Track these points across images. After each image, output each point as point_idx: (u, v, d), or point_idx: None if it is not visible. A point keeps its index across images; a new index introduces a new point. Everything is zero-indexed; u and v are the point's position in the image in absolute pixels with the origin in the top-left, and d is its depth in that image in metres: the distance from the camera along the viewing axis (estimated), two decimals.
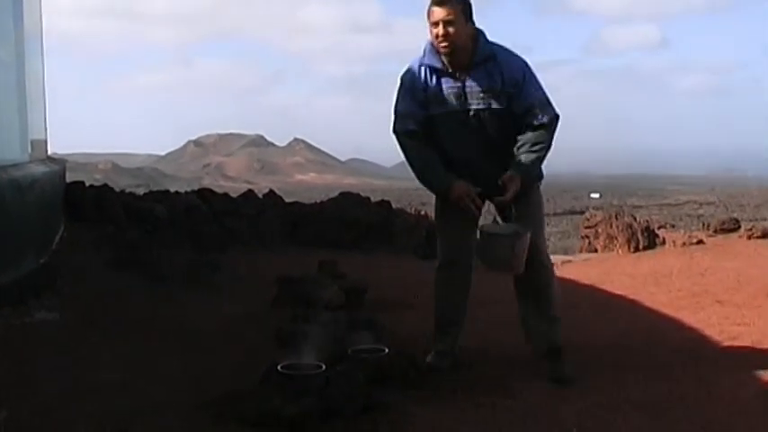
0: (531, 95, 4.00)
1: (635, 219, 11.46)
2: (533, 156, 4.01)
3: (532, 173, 4.08)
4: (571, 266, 9.47)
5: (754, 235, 10.50)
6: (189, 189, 11.14)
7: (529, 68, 4.04)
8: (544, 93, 4.06)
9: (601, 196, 57.17)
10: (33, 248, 6.08)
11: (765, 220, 17.51)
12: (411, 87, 4.09)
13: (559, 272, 8.77)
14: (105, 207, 8.95)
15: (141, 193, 10.81)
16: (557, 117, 4.06)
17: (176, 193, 10.47)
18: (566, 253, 13.42)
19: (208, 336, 5.14)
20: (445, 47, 3.95)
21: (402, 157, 4.18)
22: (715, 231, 11.34)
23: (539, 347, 4.32)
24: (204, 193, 10.53)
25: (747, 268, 8.06)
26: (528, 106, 4.00)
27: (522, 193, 4.05)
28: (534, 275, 4.19)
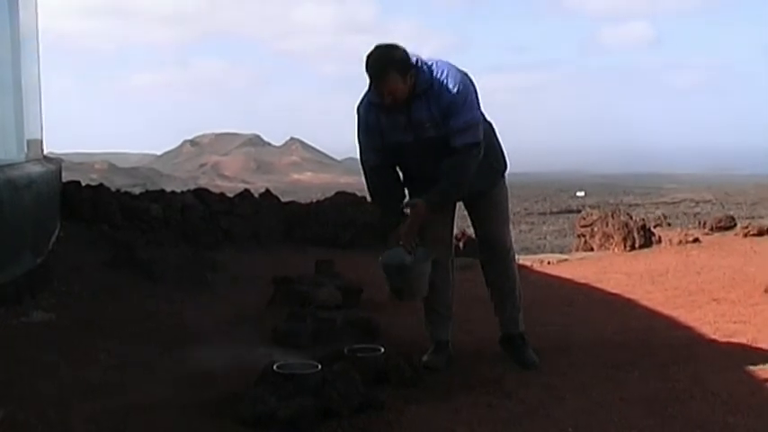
0: (455, 122, 4.07)
1: (631, 217, 11.47)
2: (445, 184, 4.15)
3: (440, 200, 4.20)
4: (567, 265, 9.48)
5: (751, 233, 10.51)
6: (185, 188, 11.13)
7: (461, 93, 4.06)
8: (472, 118, 4.11)
9: (586, 194, 57.36)
10: (29, 248, 6.07)
11: (762, 217, 17.54)
12: (365, 122, 4.25)
13: (555, 270, 8.81)
14: (101, 207, 8.94)
15: (137, 192, 10.78)
16: (475, 144, 4.11)
17: (172, 192, 10.45)
18: (561, 252, 13.43)
19: (204, 335, 5.13)
20: (389, 103, 4.07)
21: None
22: (711, 229, 11.35)
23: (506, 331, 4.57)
24: (200, 193, 10.51)
25: (743, 266, 8.08)
26: (450, 131, 4.09)
27: (483, 194, 4.37)
28: (498, 268, 4.52)
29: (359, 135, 4.31)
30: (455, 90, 4.05)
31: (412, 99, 4.06)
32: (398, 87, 4.00)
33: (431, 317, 4.52)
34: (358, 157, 4.39)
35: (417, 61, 4.06)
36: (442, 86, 4.05)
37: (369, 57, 4.02)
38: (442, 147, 4.11)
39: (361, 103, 4.27)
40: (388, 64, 3.98)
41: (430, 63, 4.10)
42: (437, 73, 4.07)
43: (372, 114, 4.20)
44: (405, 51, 4.05)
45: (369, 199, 4.49)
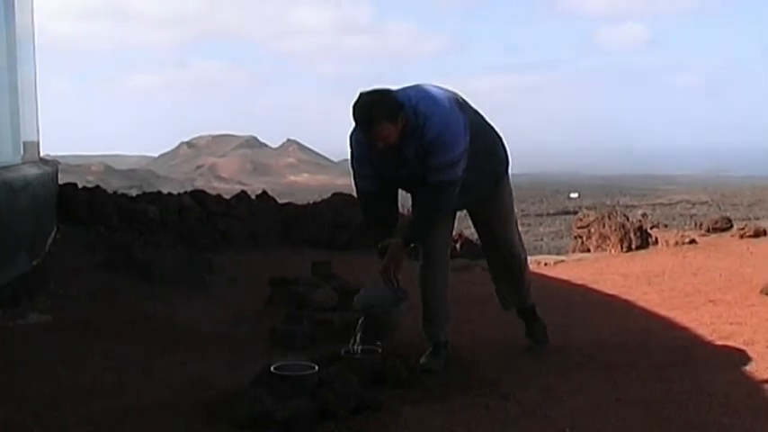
0: (434, 160, 4.05)
1: (627, 218, 11.47)
2: (419, 220, 4.25)
3: (415, 236, 4.27)
4: (564, 266, 9.49)
5: (747, 234, 10.52)
6: (182, 190, 11.10)
7: (442, 134, 4.02)
8: (452, 157, 4.06)
9: (579, 196, 57.46)
10: (26, 250, 6.07)
11: (758, 219, 17.53)
12: (357, 153, 4.25)
13: (552, 272, 8.82)
14: (98, 209, 8.93)
15: (134, 194, 10.76)
16: (451, 182, 4.09)
17: (169, 194, 10.43)
18: (558, 253, 13.44)
19: (201, 337, 5.13)
20: (381, 147, 4.03)
21: None
22: (707, 231, 11.35)
23: (508, 304, 4.84)
24: (197, 195, 10.50)
25: (740, 267, 8.09)
26: (428, 169, 4.08)
27: (493, 198, 4.49)
28: (507, 265, 4.67)
29: (352, 162, 4.32)
30: (436, 130, 3.99)
31: (401, 138, 4.02)
32: (390, 133, 3.96)
33: (429, 318, 4.52)
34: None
35: (404, 101, 3.99)
36: (425, 126, 3.99)
37: (356, 107, 3.95)
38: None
39: (353, 135, 4.22)
40: (377, 114, 3.91)
41: (415, 100, 4.02)
42: (422, 110, 4.00)
43: (364, 149, 4.17)
44: (393, 96, 3.98)
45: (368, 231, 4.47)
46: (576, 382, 4.09)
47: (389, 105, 3.95)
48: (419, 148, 4.03)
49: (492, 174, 4.43)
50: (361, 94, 3.97)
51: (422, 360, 4.33)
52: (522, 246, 4.80)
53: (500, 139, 4.51)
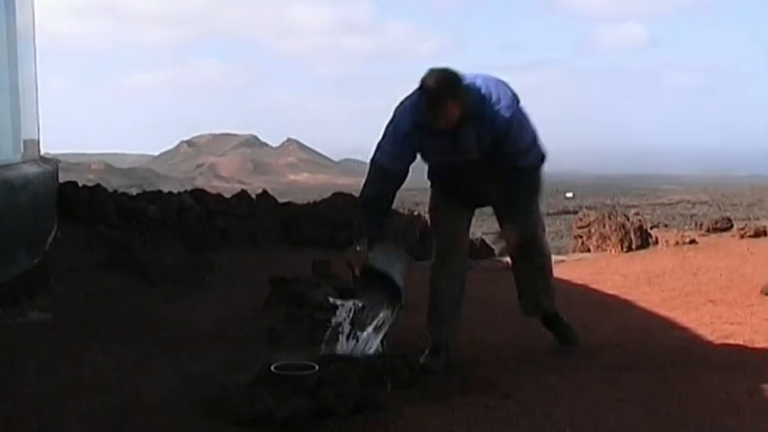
0: (517, 144, 4.08)
1: (628, 218, 11.47)
2: (523, 206, 4.27)
3: (525, 222, 4.30)
4: (564, 266, 9.46)
5: (747, 234, 10.51)
6: (182, 189, 11.10)
7: (515, 115, 4.03)
8: (532, 134, 4.12)
9: (574, 196, 57.44)
10: (26, 248, 6.07)
11: (758, 219, 17.53)
12: (402, 132, 4.11)
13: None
14: (98, 207, 8.93)
15: (134, 193, 10.77)
16: (542, 158, 4.18)
17: (169, 193, 10.43)
18: (558, 253, 13.42)
19: (200, 336, 5.13)
20: (441, 127, 3.99)
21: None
22: (708, 231, 11.35)
23: (528, 308, 4.74)
24: (197, 194, 10.50)
25: (740, 267, 8.08)
26: (514, 152, 4.09)
27: (523, 185, 4.27)
28: (535, 265, 4.60)
29: (384, 137, 4.17)
30: (509, 115, 3.99)
31: (462, 122, 3.98)
32: (453, 115, 3.92)
33: (433, 316, 4.50)
34: (373, 151, 4.23)
35: (471, 85, 3.98)
36: (496, 114, 3.98)
37: (427, 83, 3.91)
38: (483, 165, 4.12)
39: (401, 110, 4.12)
40: (448, 93, 3.88)
41: (478, 85, 3.99)
42: (489, 98, 3.98)
43: (415, 134, 4.08)
44: (459, 76, 3.96)
45: (358, 196, 4.30)
46: (576, 381, 4.09)
47: (458, 87, 3.92)
48: (486, 135, 4.01)
49: (532, 153, 4.28)
50: (433, 71, 3.93)
51: (422, 360, 4.33)
52: (548, 244, 4.78)
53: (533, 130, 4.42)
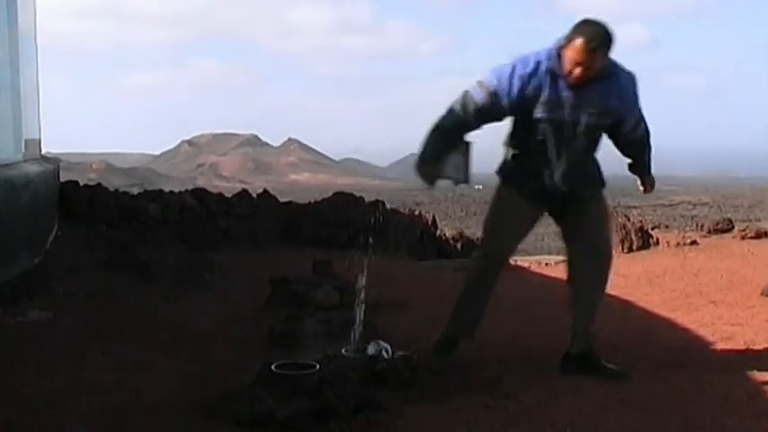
0: (639, 113, 4.22)
1: (628, 219, 11.47)
2: (647, 156, 4.45)
3: (649, 169, 4.52)
4: (565, 266, 9.45)
5: (748, 235, 10.52)
6: (183, 189, 11.11)
7: (638, 89, 4.15)
8: (640, 107, 4.25)
9: None
10: (27, 248, 6.07)
11: (759, 220, 17.52)
12: (528, 71, 3.97)
13: (553, 272, 8.80)
14: (99, 207, 8.94)
15: (135, 192, 10.76)
16: (648, 131, 4.34)
17: (170, 192, 10.44)
18: (559, 253, 13.40)
19: (201, 335, 5.13)
20: (576, 81, 3.92)
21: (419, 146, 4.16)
22: (709, 232, 11.35)
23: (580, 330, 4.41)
24: (198, 193, 10.51)
25: (741, 268, 8.08)
26: (636, 122, 4.23)
27: (595, 198, 4.33)
28: (598, 278, 4.37)
29: (498, 75, 4.00)
30: (636, 87, 4.12)
31: (589, 81, 3.92)
32: (597, 66, 3.88)
33: (464, 304, 4.40)
34: (471, 85, 4.06)
35: None
36: (630, 79, 4.08)
37: (592, 29, 3.84)
38: (587, 135, 4.07)
39: (535, 54, 3.99)
40: (608, 42, 3.85)
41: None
42: (620, 66, 4.04)
43: (542, 78, 3.95)
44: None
45: (432, 128, 4.11)
46: (577, 381, 4.09)
47: (613, 41, 3.88)
48: (614, 98, 4.02)
49: (595, 173, 4.32)
50: (595, 22, 3.88)
51: (432, 356, 4.32)
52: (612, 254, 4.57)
53: None
